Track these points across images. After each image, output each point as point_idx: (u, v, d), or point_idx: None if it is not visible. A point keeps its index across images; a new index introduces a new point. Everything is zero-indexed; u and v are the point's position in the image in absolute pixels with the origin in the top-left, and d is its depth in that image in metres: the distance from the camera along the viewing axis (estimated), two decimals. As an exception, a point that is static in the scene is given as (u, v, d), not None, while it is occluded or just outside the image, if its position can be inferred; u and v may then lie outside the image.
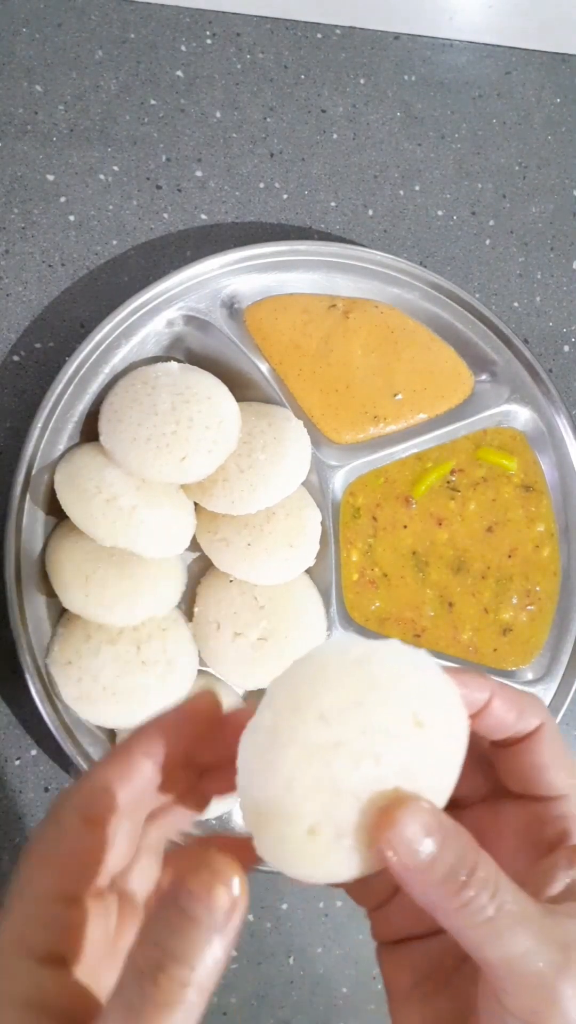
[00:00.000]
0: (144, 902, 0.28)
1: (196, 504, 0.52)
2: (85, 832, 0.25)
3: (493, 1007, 0.23)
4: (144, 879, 0.28)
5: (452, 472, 0.57)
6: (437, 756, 0.24)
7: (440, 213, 0.62)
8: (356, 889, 0.29)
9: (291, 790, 0.23)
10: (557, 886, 0.25)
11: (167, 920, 0.20)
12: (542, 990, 0.22)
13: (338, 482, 0.55)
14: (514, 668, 0.57)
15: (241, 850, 0.24)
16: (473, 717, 0.27)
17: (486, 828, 0.28)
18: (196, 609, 0.52)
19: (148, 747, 0.26)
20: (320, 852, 0.23)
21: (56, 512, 0.50)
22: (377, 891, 0.28)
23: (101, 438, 0.50)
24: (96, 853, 0.25)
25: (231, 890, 0.20)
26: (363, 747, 0.23)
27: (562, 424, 0.57)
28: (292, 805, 0.23)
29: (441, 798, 0.24)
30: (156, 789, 0.26)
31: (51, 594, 0.50)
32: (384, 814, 0.22)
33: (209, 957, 0.20)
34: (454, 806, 0.27)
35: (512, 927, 0.22)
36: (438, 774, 0.24)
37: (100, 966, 0.25)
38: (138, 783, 0.26)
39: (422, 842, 0.22)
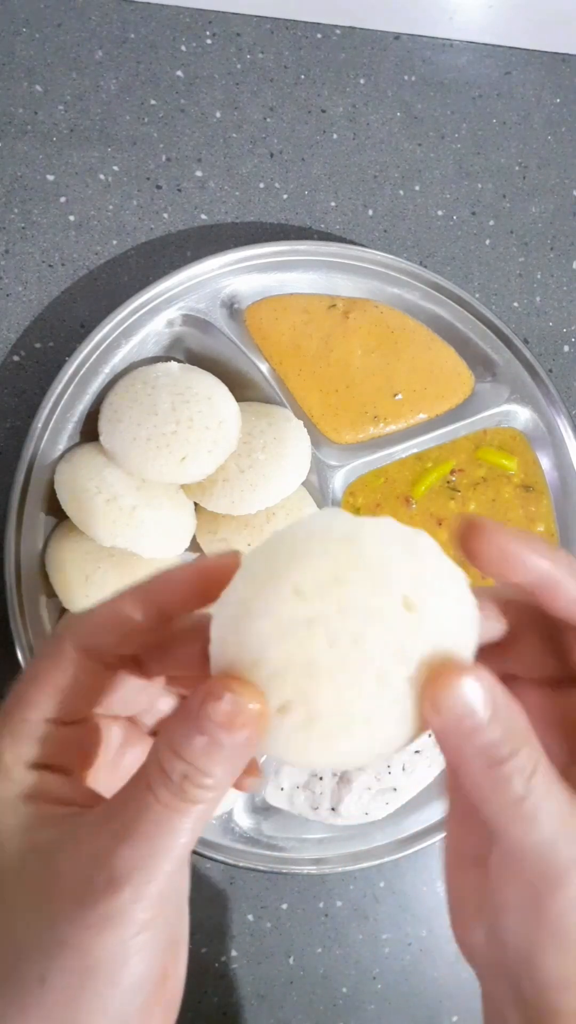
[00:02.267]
0: (152, 725, 0.30)
1: (196, 504, 0.52)
2: (81, 662, 0.26)
3: (502, 871, 0.24)
4: (152, 709, 0.29)
5: (452, 472, 0.57)
6: (435, 642, 0.22)
7: (440, 213, 0.62)
8: None
9: (260, 666, 0.22)
10: None
11: (191, 739, 0.22)
12: (549, 877, 0.22)
13: (338, 482, 0.55)
14: (514, 668, 0.57)
15: None
16: (539, 595, 0.25)
17: (543, 710, 0.28)
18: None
19: (150, 590, 0.26)
20: (291, 734, 0.22)
21: (56, 512, 0.50)
22: None
23: (101, 438, 0.50)
24: (93, 683, 0.26)
25: (251, 708, 0.21)
26: (340, 626, 0.22)
27: (562, 424, 0.57)
28: (261, 681, 0.22)
29: None
30: (161, 632, 0.26)
31: (51, 594, 0.50)
32: (440, 673, 0.21)
33: (229, 769, 0.22)
34: (511, 679, 0.27)
35: (538, 813, 0.22)
36: (439, 660, 0.22)
37: (99, 778, 0.27)
38: (137, 622, 0.25)
39: (476, 712, 0.21)
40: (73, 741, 0.26)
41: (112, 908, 0.22)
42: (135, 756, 0.29)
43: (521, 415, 0.58)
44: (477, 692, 0.21)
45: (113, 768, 0.28)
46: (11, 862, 0.24)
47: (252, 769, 0.26)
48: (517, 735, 0.22)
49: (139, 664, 0.27)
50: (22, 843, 0.24)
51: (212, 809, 0.22)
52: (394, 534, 0.24)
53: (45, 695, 0.25)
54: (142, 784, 0.22)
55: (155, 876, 0.22)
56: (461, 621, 0.23)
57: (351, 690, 0.22)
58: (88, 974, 0.22)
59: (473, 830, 0.27)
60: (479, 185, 0.63)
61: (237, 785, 0.25)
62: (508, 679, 0.28)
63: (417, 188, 0.62)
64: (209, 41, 0.60)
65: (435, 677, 0.22)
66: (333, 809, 0.53)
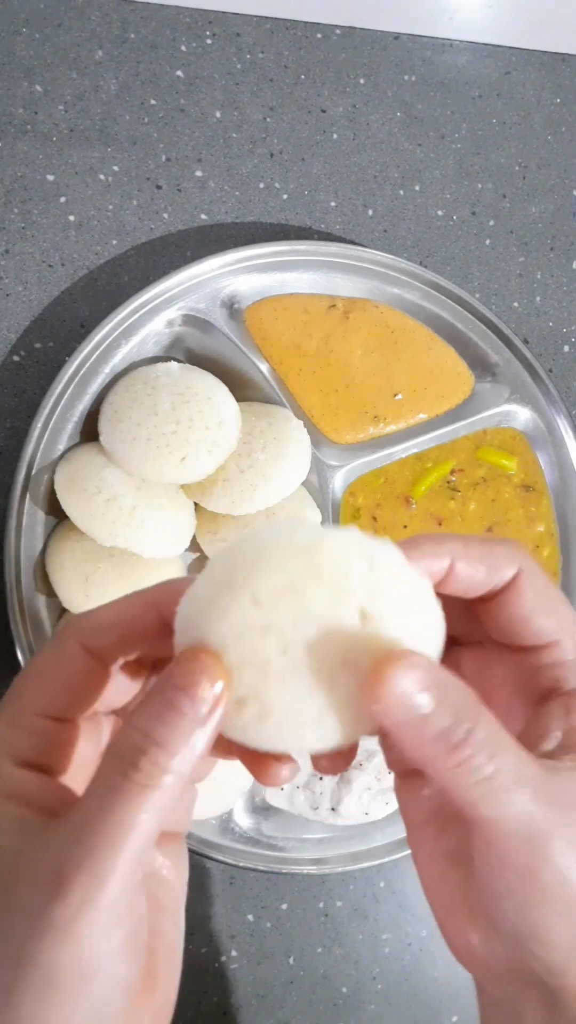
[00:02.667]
0: None
1: (196, 504, 0.52)
2: (84, 659, 0.25)
3: (487, 857, 0.23)
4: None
5: (452, 472, 0.57)
6: (389, 650, 0.22)
7: (440, 213, 0.62)
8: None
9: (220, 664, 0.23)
10: (553, 738, 0.25)
11: (152, 709, 0.21)
12: (535, 846, 0.22)
13: (338, 482, 0.55)
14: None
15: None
16: (438, 585, 0.26)
17: (480, 675, 0.27)
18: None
19: (157, 598, 0.25)
20: (248, 725, 0.23)
21: (56, 512, 0.50)
22: None
23: (101, 438, 0.50)
24: (93, 681, 0.26)
25: (214, 685, 0.21)
26: (293, 635, 0.22)
27: (562, 424, 0.57)
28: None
29: None
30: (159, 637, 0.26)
31: (51, 594, 0.50)
32: (376, 669, 0.21)
33: (189, 746, 0.21)
34: (477, 644, 0.27)
35: (508, 788, 0.21)
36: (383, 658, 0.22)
37: (79, 776, 0.26)
38: (141, 626, 0.25)
39: (416, 698, 0.21)
40: (61, 738, 0.26)
41: (63, 916, 0.20)
42: None
43: (521, 415, 0.58)
44: (416, 677, 0.21)
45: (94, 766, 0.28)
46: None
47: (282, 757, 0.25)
48: (469, 713, 0.22)
49: (138, 668, 0.27)
50: (17, 844, 0.23)
51: (168, 796, 0.21)
52: (356, 545, 0.24)
53: (43, 690, 0.25)
54: (96, 773, 0.21)
55: (108, 876, 0.20)
56: (421, 629, 0.24)
57: (300, 694, 0.22)
58: (50, 989, 0.20)
59: (443, 828, 0.27)
60: (479, 185, 0.63)
61: (269, 777, 0.25)
62: (475, 645, 0.28)
63: (417, 188, 0.62)
64: (209, 41, 0.60)
65: (374, 672, 0.21)
66: (333, 809, 0.53)
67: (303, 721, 0.23)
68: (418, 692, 0.21)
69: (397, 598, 0.23)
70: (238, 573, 0.23)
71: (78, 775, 0.26)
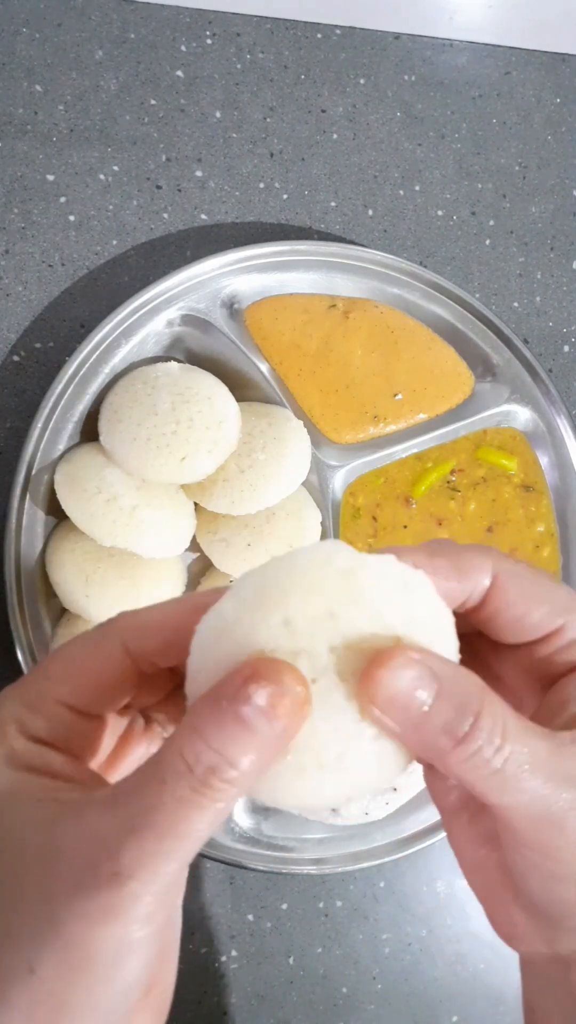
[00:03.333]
0: (163, 724, 0.28)
1: (196, 504, 0.52)
2: (121, 659, 0.25)
3: (509, 840, 0.23)
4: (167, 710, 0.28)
5: (452, 472, 0.57)
6: None
7: (440, 213, 0.62)
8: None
9: None
10: (568, 712, 0.24)
11: (224, 725, 0.20)
12: (553, 826, 0.22)
13: (338, 482, 0.55)
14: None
15: None
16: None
17: (517, 662, 0.27)
18: (196, 609, 0.52)
19: (208, 603, 0.24)
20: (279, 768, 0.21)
21: (56, 512, 0.50)
22: None
23: (101, 438, 0.50)
24: (124, 681, 0.25)
25: (296, 704, 0.20)
26: (326, 663, 0.21)
27: (562, 424, 0.57)
28: None
29: None
30: None
31: (51, 594, 0.50)
32: (366, 671, 0.20)
33: (257, 766, 0.20)
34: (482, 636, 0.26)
35: (520, 776, 0.21)
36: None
37: (102, 763, 0.26)
38: (187, 632, 0.24)
39: (413, 695, 0.20)
40: (81, 729, 0.25)
41: (114, 901, 0.20)
42: (141, 748, 0.28)
43: (521, 415, 0.58)
44: (411, 673, 0.20)
45: (116, 758, 0.28)
46: (6, 832, 0.22)
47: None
48: (472, 703, 0.21)
49: (172, 674, 0.27)
50: (21, 814, 0.22)
51: (229, 808, 0.21)
52: (393, 572, 0.23)
53: (70, 680, 0.25)
54: (158, 775, 0.21)
55: (161, 875, 0.20)
56: (450, 656, 0.23)
57: (327, 728, 0.21)
58: (82, 967, 0.20)
59: (476, 813, 0.27)
60: (479, 185, 0.63)
61: None
62: (481, 636, 0.27)
63: (417, 188, 0.62)
64: (209, 41, 0.60)
65: (364, 674, 0.21)
66: (333, 809, 0.53)
67: (324, 760, 0.21)
68: (415, 689, 0.20)
69: (430, 626, 0.22)
70: (270, 594, 0.22)
71: (94, 762, 0.26)
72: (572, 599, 0.25)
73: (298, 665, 0.21)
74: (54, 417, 0.51)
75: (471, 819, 0.27)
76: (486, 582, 0.25)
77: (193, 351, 0.55)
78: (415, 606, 0.22)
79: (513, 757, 0.21)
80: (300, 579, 0.22)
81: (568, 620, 0.25)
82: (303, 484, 0.53)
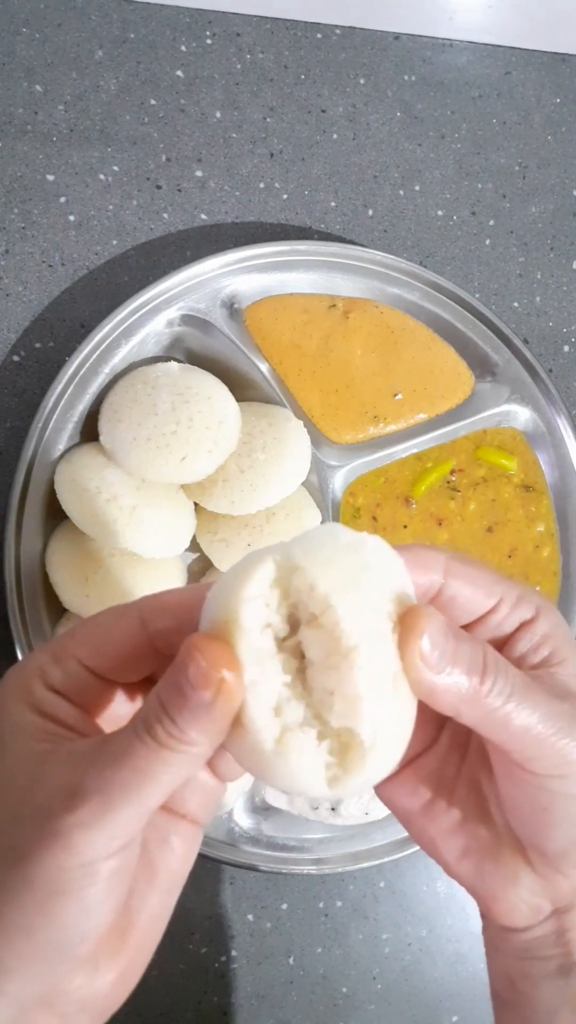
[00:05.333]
0: None
1: (196, 504, 0.52)
2: (138, 633, 0.27)
3: (520, 781, 0.27)
4: None
5: (452, 472, 0.57)
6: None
7: (440, 213, 0.62)
8: None
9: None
10: (530, 655, 0.29)
11: (170, 683, 0.24)
12: (562, 748, 0.26)
13: (338, 482, 0.55)
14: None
15: None
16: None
17: None
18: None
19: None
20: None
21: (56, 512, 0.50)
22: None
23: (101, 438, 0.50)
24: (139, 656, 0.28)
25: (220, 682, 0.23)
26: (367, 623, 0.24)
27: (562, 424, 0.57)
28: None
29: None
30: None
31: (51, 594, 0.50)
32: (408, 627, 0.24)
33: (197, 728, 0.23)
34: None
35: (527, 698, 0.26)
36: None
37: (106, 722, 0.29)
38: (195, 614, 0.26)
39: (445, 640, 0.25)
40: (94, 689, 0.28)
41: (68, 824, 0.22)
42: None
43: (521, 415, 0.58)
44: (440, 625, 0.25)
45: (120, 718, 0.30)
46: (8, 760, 0.26)
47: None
48: (478, 646, 0.26)
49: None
50: (23, 747, 0.25)
51: (180, 764, 0.23)
52: (384, 547, 0.26)
53: (91, 643, 0.27)
54: (129, 726, 0.24)
55: (116, 806, 0.23)
56: None
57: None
58: (40, 888, 0.23)
59: (452, 793, 0.30)
60: (479, 185, 0.63)
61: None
62: None
63: (417, 188, 0.62)
64: (209, 41, 0.60)
65: (404, 630, 0.25)
66: (333, 809, 0.53)
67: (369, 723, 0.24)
68: (443, 636, 0.25)
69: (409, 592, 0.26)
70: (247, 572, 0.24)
71: (107, 724, 0.28)
72: (499, 578, 0.29)
73: (262, 635, 0.24)
74: (54, 417, 0.51)
75: (448, 804, 0.30)
76: (440, 574, 0.28)
77: (193, 351, 0.55)
78: (403, 570, 0.26)
79: (518, 685, 0.26)
80: (316, 555, 0.24)
81: (503, 595, 0.29)
82: (303, 484, 0.53)
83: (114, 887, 0.24)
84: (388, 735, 0.24)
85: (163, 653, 0.28)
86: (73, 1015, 0.25)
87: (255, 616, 0.24)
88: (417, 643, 0.24)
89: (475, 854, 0.30)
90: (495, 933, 0.31)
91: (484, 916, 0.31)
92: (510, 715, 0.25)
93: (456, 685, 0.25)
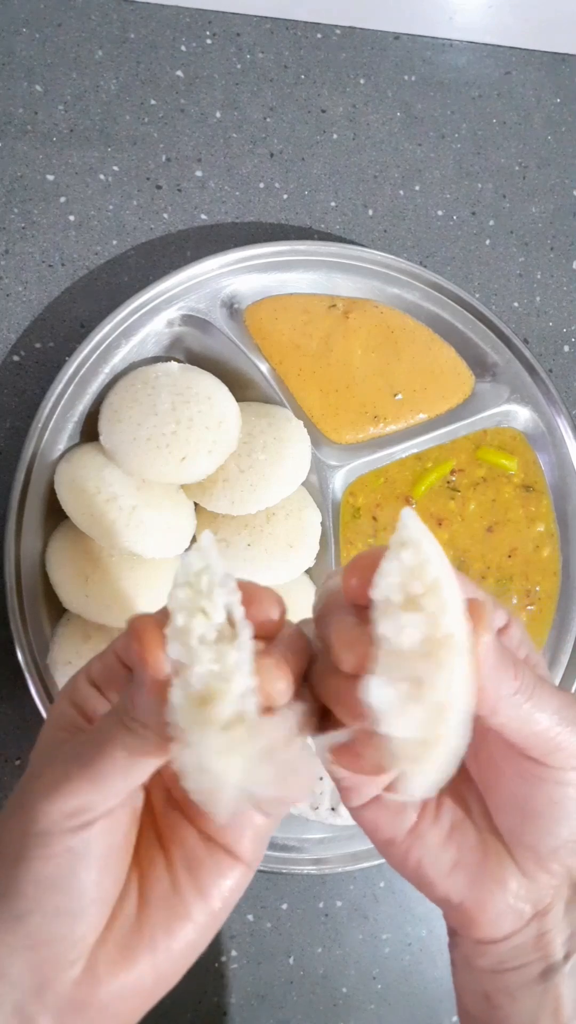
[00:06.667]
0: None
1: (196, 504, 0.52)
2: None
3: (531, 777, 0.28)
4: None
5: (452, 472, 0.57)
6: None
7: (440, 213, 0.62)
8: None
9: None
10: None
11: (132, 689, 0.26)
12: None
13: (338, 482, 0.55)
14: (514, 668, 0.57)
15: None
16: None
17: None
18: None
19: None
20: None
21: (56, 512, 0.50)
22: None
23: (101, 438, 0.50)
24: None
25: (158, 667, 0.25)
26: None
27: (562, 424, 0.57)
28: None
29: None
30: None
31: (51, 594, 0.50)
32: (476, 624, 0.25)
33: (141, 707, 0.26)
34: None
35: (544, 694, 0.27)
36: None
37: None
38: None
39: (492, 635, 0.25)
40: (123, 679, 0.30)
41: (29, 792, 0.25)
42: None
43: (521, 415, 0.58)
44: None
45: None
46: (39, 746, 0.29)
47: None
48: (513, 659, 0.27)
49: None
50: (51, 736, 0.29)
51: (137, 744, 0.25)
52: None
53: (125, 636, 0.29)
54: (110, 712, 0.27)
55: (72, 777, 0.25)
56: None
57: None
58: (2, 855, 0.25)
59: (440, 807, 0.31)
60: (479, 185, 0.63)
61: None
62: None
63: (417, 188, 0.62)
64: (209, 41, 0.60)
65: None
66: (333, 809, 0.53)
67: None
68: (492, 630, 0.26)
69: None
70: None
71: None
72: (469, 582, 0.29)
73: (195, 620, 0.24)
74: (54, 417, 0.51)
75: (435, 817, 0.30)
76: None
77: (193, 351, 0.55)
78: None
79: (538, 682, 0.27)
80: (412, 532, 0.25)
81: (483, 599, 0.28)
82: (303, 484, 0.53)
83: (79, 870, 0.25)
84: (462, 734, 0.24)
85: None
86: (67, 1015, 0.26)
87: (183, 602, 0.25)
88: (487, 639, 0.25)
89: (464, 865, 0.30)
90: (471, 949, 0.31)
91: (457, 934, 0.31)
92: (534, 712, 0.27)
93: (503, 684, 0.26)
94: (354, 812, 0.31)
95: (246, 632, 0.25)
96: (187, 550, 0.25)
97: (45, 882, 0.25)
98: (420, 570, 0.24)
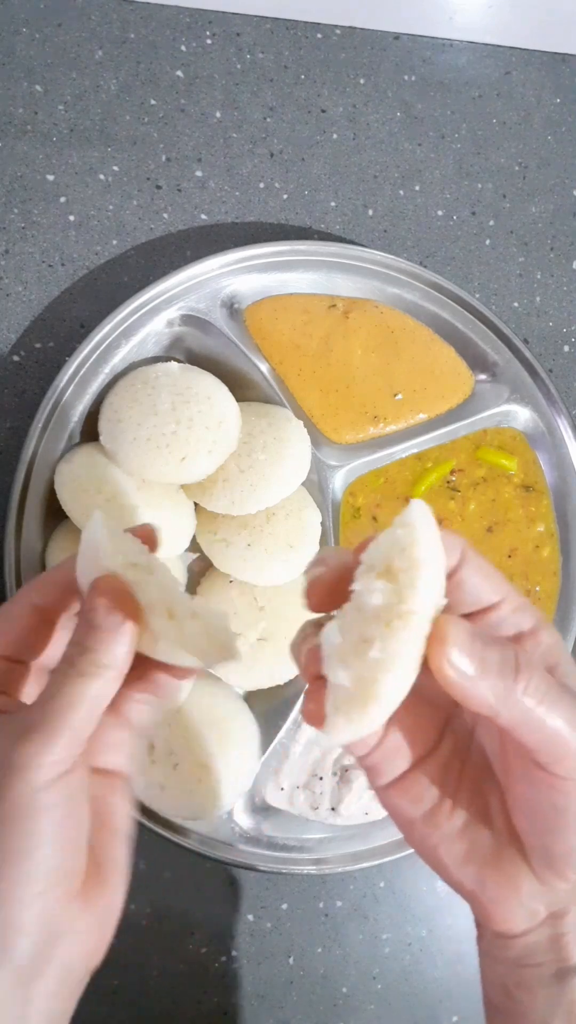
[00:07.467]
0: None
1: (196, 504, 0.52)
2: (31, 616, 0.33)
3: (538, 783, 0.28)
4: None
5: (452, 472, 0.57)
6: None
7: (440, 213, 0.62)
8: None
9: None
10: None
11: (82, 624, 0.30)
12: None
13: (338, 482, 0.55)
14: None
15: None
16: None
17: None
18: (196, 609, 0.52)
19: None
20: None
21: (56, 512, 0.50)
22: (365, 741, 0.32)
23: (101, 438, 0.50)
24: (40, 633, 0.33)
25: (120, 623, 0.29)
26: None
27: (562, 424, 0.57)
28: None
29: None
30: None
31: (51, 594, 0.50)
32: (434, 644, 0.26)
33: (107, 650, 0.29)
34: None
35: (559, 700, 0.27)
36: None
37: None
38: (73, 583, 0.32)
39: (464, 658, 0.26)
40: (14, 674, 0.33)
41: (22, 758, 0.27)
42: None
43: (521, 415, 0.58)
44: (465, 634, 0.26)
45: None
46: None
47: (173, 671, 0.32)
48: (508, 647, 0.27)
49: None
50: None
51: (100, 685, 0.29)
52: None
53: (3, 633, 0.33)
54: (55, 670, 0.29)
55: (58, 731, 0.27)
56: None
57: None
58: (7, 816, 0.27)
59: (456, 799, 0.31)
60: (479, 185, 0.63)
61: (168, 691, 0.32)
62: None
63: (417, 188, 0.62)
64: (209, 41, 0.60)
65: (432, 641, 0.26)
66: (333, 809, 0.53)
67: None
68: (469, 644, 0.26)
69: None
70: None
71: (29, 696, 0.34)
72: (506, 580, 0.30)
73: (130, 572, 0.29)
74: (54, 417, 0.51)
75: (452, 809, 0.31)
76: (458, 557, 0.29)
77: (193, 351, 0.55)
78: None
79: (552, 684, 0.27)
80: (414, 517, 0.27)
81: (507, 596, 0.30)
82: (303, 484, 0.53)
83: (62, 818, 0.28)
84: (388, 702, 0.26)
85: (51, 623, 0.33)
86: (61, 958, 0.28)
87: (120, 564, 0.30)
88: (445, 651, 0.26)
89: (477, 859, 0.30)
90: (491, 941, 0.31)
91: (480, 924, 0.32)
92: (544, 716, 0.27)
93: (491, 688, 0.26)
94: (378, 791, 0.32)
95: (157, 562, 0.31)
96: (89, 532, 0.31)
97: (42, 834, 0.27)
98: (407, 549, 0.26)
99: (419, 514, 0.27)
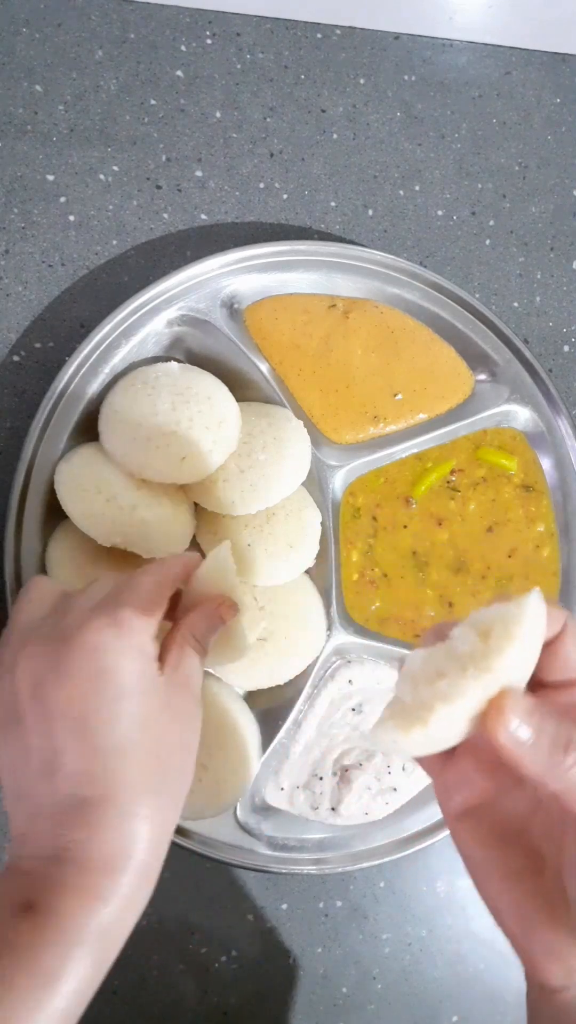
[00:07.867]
0: None
1: (196, 504, 0.52)
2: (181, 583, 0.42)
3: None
4: None
5: (452, 472, 0.57)
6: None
7: (440, 213, 0.62)
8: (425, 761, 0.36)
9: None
10: None
11: (202, 618, 0.39)
12: None
13: (338, 482, 0.55)
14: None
15: None
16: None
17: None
18: (196, 609, 0.52)
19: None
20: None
21: (56, 512, 0.50)
22: (438, 758, 0.35)
23: (101, 438, 0.50)
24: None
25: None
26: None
27: (562, 424, 0.57)
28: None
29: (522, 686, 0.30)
30: None
31: (51, 594, 0.50)
32: (493, 708, 0.28)
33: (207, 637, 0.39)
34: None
35: None
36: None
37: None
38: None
39: (521, 727, 0.28)
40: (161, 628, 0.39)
41: (121, 614, 0.35)
42: None
43: (521, 415, 0.58)
44: (521, 710, 0.28)
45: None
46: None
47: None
48: (563, 729, 0.29)
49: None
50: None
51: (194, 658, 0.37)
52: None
53: (166, 590, 0.39)
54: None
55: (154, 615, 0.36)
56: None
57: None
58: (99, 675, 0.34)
59: (511, 848, 0.33)
60: (479, 185, 0.63)
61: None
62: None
63: (417, 188, 0.62)
64: (209, 41, 0.60)
65: (491, 710, 0.29)
66: (333, 809, 0.53)
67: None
68: (521, 722, 0.28)
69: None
70: None
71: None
72: None
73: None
74: (54, 417, 0.51)
75: (507, 855, 0.32)
76: (558, 628, 0.32)
77: (193, 351, 0.55)
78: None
79: None
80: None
81: None
82: (303, 484, 0.53)
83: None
84: (431, 733, 0.29)
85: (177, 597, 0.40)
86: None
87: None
88: (504, 715, 0.28)
89: (527, 907, 0.31)
90: (537, 994, 0.32)
91: (527, 977, 0.33)
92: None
93: (538, 757, 0.28)
94: (447, 819, 0.35)
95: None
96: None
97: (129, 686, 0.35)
98: (509, 626, 0.29)
99: (534, 603, 0.29)
